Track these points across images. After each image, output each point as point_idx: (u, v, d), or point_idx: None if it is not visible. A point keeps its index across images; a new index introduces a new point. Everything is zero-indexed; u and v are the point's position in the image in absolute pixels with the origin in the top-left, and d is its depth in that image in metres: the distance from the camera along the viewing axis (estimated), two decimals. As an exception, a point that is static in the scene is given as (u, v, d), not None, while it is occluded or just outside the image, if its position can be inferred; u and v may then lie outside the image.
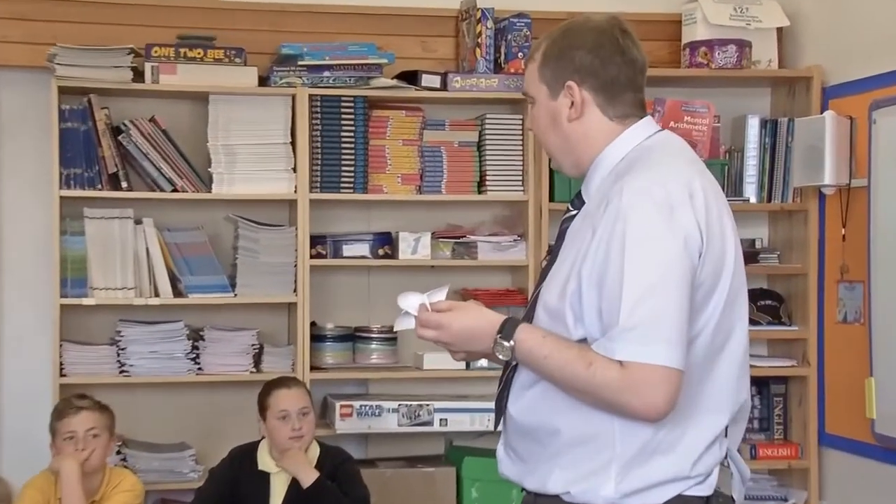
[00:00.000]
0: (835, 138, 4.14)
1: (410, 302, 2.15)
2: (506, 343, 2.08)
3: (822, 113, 4.27)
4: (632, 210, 2.01)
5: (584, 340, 2.06)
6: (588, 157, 2.19)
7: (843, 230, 4.21)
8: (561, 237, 2.21)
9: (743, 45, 4.42)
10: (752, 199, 4.48)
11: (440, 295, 2.16)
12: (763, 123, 4.51)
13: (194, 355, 4.14)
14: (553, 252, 2.21)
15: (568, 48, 2.16)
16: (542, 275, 2.22)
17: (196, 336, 4.18)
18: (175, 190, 4.12)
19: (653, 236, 2.00)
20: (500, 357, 2.11)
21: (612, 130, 2.17)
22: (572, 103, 2.16)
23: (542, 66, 2.20)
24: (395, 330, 2.18)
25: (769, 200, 4.47)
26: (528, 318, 2.18)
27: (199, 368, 4.15)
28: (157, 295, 4.08)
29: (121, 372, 4.09)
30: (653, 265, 1.98)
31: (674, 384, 1.96)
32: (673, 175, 2.06)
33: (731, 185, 4.49)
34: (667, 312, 1.97)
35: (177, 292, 4.11)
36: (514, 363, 2.17)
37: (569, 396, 2.08)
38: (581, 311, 2.05)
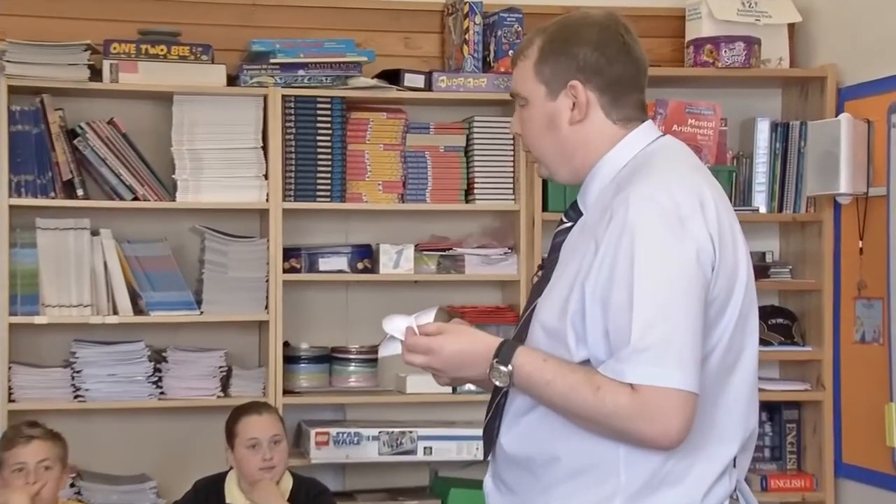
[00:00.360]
0: (851, 143, 4.14)
1: (396, 325, 2.13)
2: (503, 368, 2.07)
3: (837, 116, 4.27)
4: (639, 221, 2.01)
5: (586, 362, 2.05)
6: (587, 164, 2.18)
7: (860, 242, 4.21)
8: (555, 251, 2.20)
9: (751, 43, 4.41)
10: (762, 209, 4.47)
11: (428, 317, 2.15)
12: (773, 127, 4.50)
13: (156, 378, 4.12)
14: (546, 267, 2.20)
15: (570, 44, 2.15)
16: (535, 291, 2.21)
17: (158, 358, 4.15)
18: (136, 198, 4.10)
19: (663, 250, 2.00)
20: (497, 383, 2.09)
21: (614, 135, 2.17)
22: (574, 104, 2.15)
23: (540, 63, 2.18)
24: (380, 356, 2.18)
25: (780, 210, 4.47)
26: (521, 337, 2.17)
27: (162, 393, 4.12)
28: (115, 313, 4.06)
29: (75, 397, 4.07)
30: (664, 281, 1.98)
31: (689, 409, 1.96)
32: (681, 183, 2.06)
33: (739, 193, 4.49)
34: (680, 332, 1.97)
35: (137, 310, 4.09)
36: (505, 388, 2.15)
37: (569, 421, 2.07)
38: (584, 331, 2.04)
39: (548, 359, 2.06)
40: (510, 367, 2.06)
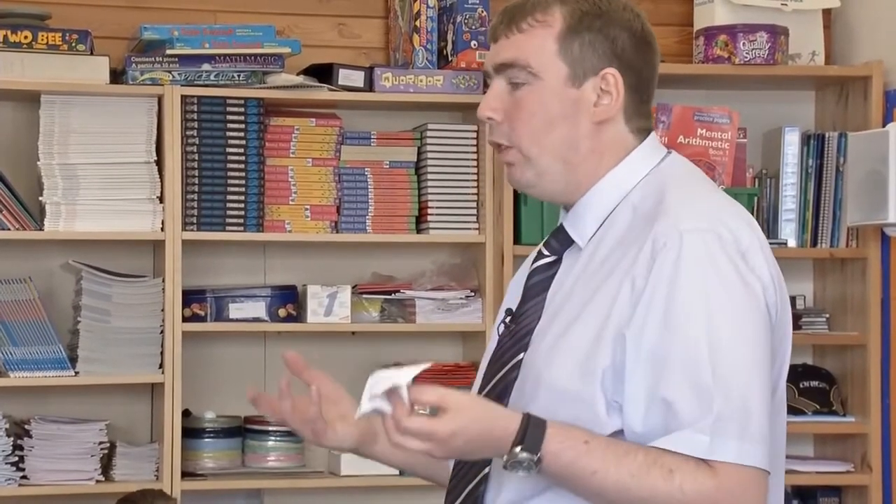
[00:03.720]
0: (904, 160, 4.18)
1: (381, 387, 2.04)
2: (526, 456, 2.01)
3: (884, 125, 4.24)
4: (700, 258, 2.02)
5: (617, 434, 2.05)
6: (588, 180, 2.18)
7: (916, 285, 4.23)
8: (537, 292, 2.18)
9: (777, 34, 4.35)
10: (791, 243, 4.43)
11: (415, 374, 2.07)
12: (805, 139, 4.45)
13: (16, 458, 4.01)
14: (525, 312, 2.18)
15: (609, 24, 2.17)
16: (511, 344, 2.18)
17: (20, 432, 4.05)
18: (-9, 227, 4.10)
19: (733, 294, 2.02)
20: (517, 473, 2.03)
21: (626, 147, 2.19)
22: (597, 98, 2.16)
23: (570, 36, 2.16)
24: (357, 417, 2.08)
25: (814, 244, 4.44)
26: (501, 403, 2.13)
27: (24, 477, 4.02)
28: (-39, 374, 4.04)
29: None
30: (739, 333, 2.01)
31: (766, 492, 2.02)
32: (732, 211, 2.11)
33: (763, 222, 4.44)
34: (757, 397, 2.01)
35: (-8, 370, 4.07)
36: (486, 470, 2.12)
37: None
38: (618, 395, 2.03)
39: (590, 440, 2.02)
40: (539, 454, 2.00)
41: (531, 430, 2.00)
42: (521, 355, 2.14)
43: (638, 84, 2.17)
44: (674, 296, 2.01)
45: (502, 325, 2.23)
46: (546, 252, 2.19)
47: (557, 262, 2.19)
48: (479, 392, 2.18)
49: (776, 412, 2.12)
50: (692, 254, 2.01)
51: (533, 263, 2.22)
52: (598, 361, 2.04)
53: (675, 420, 1.98)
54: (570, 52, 2.14)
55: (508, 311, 2.23)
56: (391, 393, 2.03)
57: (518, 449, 1.99)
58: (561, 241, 2.17)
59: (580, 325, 2.08)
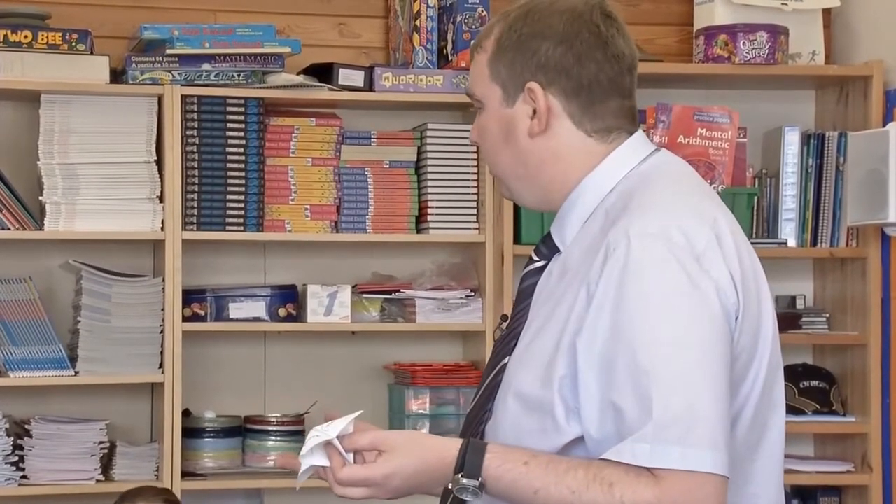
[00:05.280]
0: (904, 159, 4.17)
1: (312, 445, 2.08)
2: (468, 482, 2.03)
3: (885, 125, 4.25)
4: (647, 263, 2.00)
5: (579, 440, 2.04)
6: (559, 187, 2.19)
7: (916, 284, 4.23)
8: (525, 298, 2.20)
9: (777, 33, 4.37)
10: (791, 242, 4.43)
11: (343, 426, 2.09)
12: (805, 139, 4.47)
13: (16, 458, 4.02)
14: (514, 318, 2.20)
15: (530, 37, 2.17)
16: (500, 349, 2.21)
17: (20, 431, 4.06)
18: (-9, 227, 4.09)
19: (679, 298, 2.00)
20: (465, 498, 2.06)
21: (593, 151, 2.17)
22: (534, 112, 2.16)
23: (495, 59, 2.18)
24: (298, 482, 2.16)
25: (814, 244, 4.45)
26: (486, 407, 2.16)
27: (24, 477, 4.03)
28: (-39, 374, 4.03)
29: None
30: (685, 338, 1.98)
31: (723, 498, 1.97)
32: (692, 212, 2.08)
33: (763, 222, 4.46)
34: (707, 401, 1.97)
35: (-8, 370, 4.05)
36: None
37: None
38: (576, 402, 2.03)
39: (530, 460, 2.02)
40: (480, 479, 2.02)
41: (469, 457, 2.03)
42: (506, 360, 2.15)
43: (576, 87, 2.14)
44: (620, 302, 1.99)
45: (498, 330, 2.27)
46: (536, 257, 2.21)
47: (546, 267, 2.20)
48: (475, 395, 2.20)
49: (770, 411, 2.11)
50: (638, 258, 2.00)
51: (525, 268, 2.23)
52: (556, 369, 2.04)
53: (624, 427, 1.98)
54: (498, 74, 2.17)
55: (504, 317, 2.26)
56: (328, 447, 2.06)
57: (459, 476, 2.02)
58: (549, 247, 2.19)
59: (545, 332, 2.09)
